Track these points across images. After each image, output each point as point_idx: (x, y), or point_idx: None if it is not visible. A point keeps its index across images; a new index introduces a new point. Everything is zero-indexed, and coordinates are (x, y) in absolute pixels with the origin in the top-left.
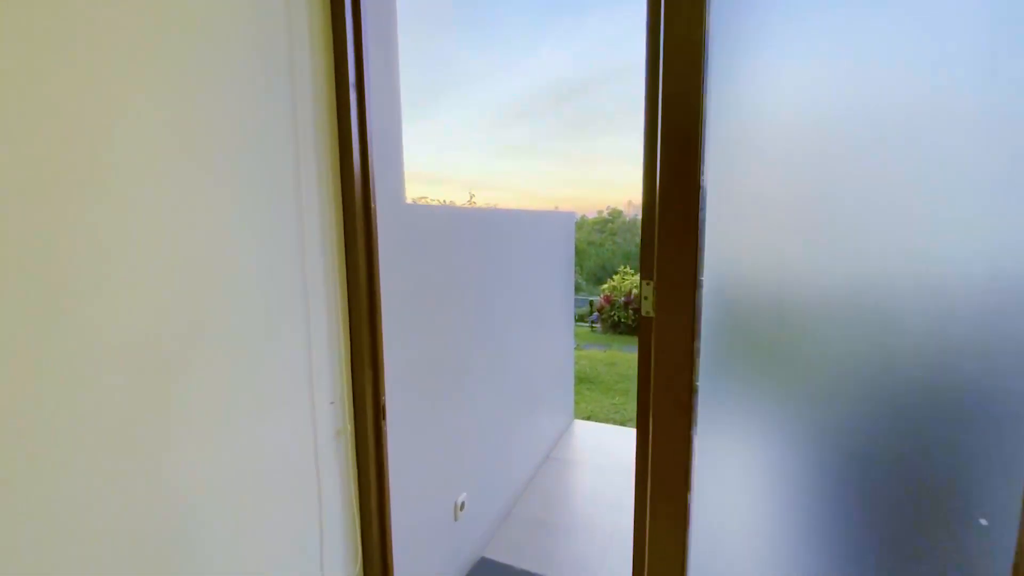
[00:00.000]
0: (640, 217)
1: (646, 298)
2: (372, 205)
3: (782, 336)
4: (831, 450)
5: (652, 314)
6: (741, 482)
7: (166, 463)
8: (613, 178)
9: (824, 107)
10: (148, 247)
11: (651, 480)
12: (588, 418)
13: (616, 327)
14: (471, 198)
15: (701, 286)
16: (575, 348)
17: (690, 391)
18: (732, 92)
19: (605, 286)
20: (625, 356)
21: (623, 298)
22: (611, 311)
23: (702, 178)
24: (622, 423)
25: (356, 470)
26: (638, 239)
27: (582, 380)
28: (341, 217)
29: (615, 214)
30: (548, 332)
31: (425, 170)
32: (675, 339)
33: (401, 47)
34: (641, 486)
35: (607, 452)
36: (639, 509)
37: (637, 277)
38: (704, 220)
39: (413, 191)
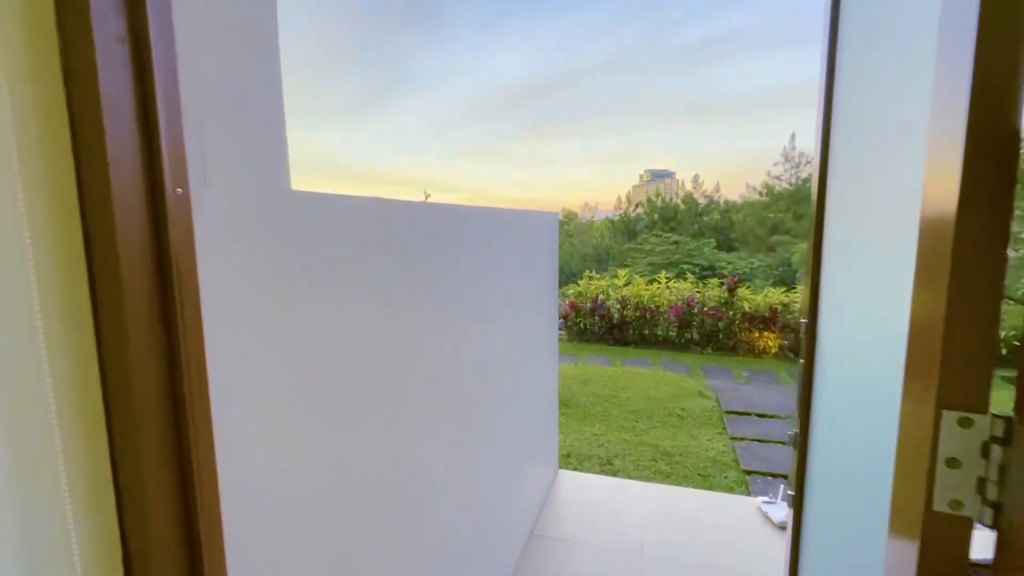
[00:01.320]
0: (596, 219)
1: None
2: (170, 193)
3: None
4: None
5: None
6: None
7: None
8: (568, 181)
9: None
10: None
11: None
12: (568, 455)
13: (583, 335)
14: (426, 198)
15: None
16: None
17: None
18: None
19: (571, 291)
20: (599, 371)
21: (589, 304)
22: (577, 318)
23: None
24: (610, 462)
25: None
26: (595, 241)
27: None
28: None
29: (571, 216)
30: (527, 358)
31: (377, 170)
32: None
33: (349, 45)
34: None
35: (610, 524)
36: None
37: (603, 282)
38: None
39: (364, 192)
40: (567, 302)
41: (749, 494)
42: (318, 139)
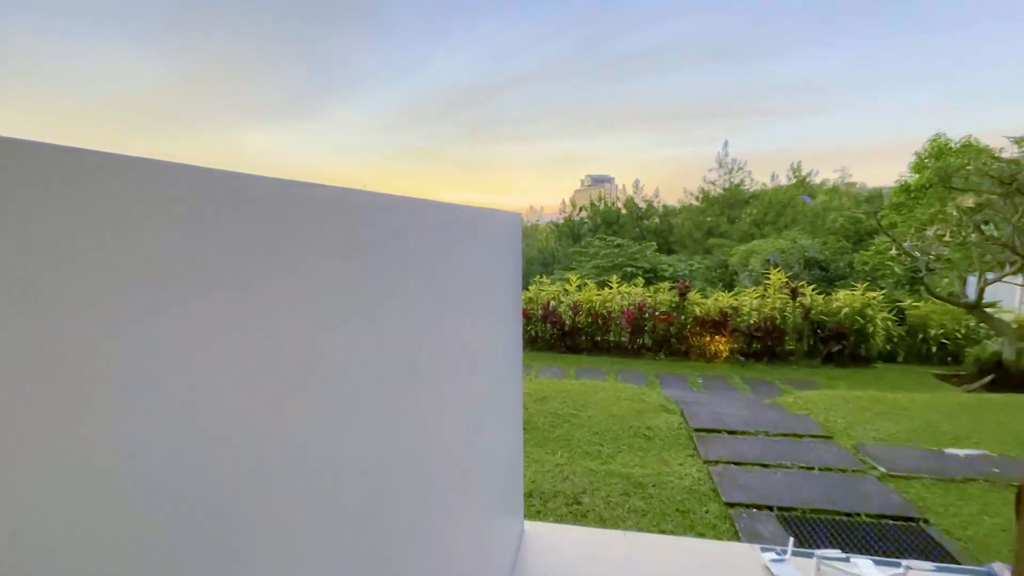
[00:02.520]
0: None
1: None
2: None
3: None
4: None
5: None
6: None
7: None
8: (513, 184)
9: None
10: None
11: None
12: (531, 493)
13: (534, 343)
14: None
15: None
16: None
17: None
18: None
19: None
20: (556, 386)
21: (541, 311)
22: (528, 326)
23: None
24: (578, 500)
25: None
26: (540, 245)
27: None
28: None
29: None
30: (490, 393)
31: (313, 170)
32: None
33: (282, 44)
34: None
35: None
36: None
37: (555, 287)
38: None
39: None
40: None
41: (736, 532)
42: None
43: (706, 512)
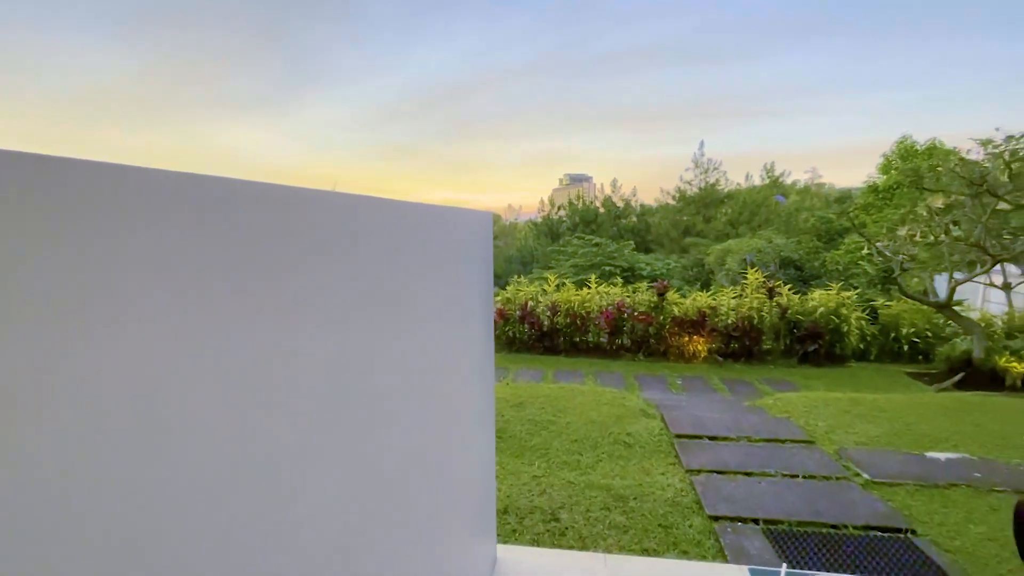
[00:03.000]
0: (519, 221)
1: None
2: None
3: None
4: None
5: None
6: None
7: None
8: (491, 183)
9: None
10: None
11: None
12: (505, 510)
13: (512, 344)
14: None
15: None
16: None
17: None
18: None
19: (498, 297)
20: (533, 390)
21: (519, 311)
22: (506, 326)
23: None
24: (556, 517)
25: None
26: (519, 243)
27: None
28: None
29: (494, 218)
30: (458, 404)
31: (289, 168)
32: None
33: (256, 36)
34: None
35: None
36: None
37: (533, 288)
38: None
39: None
40: (495, 310)
41: (721, 548)
42: (223, 134)
43: (689, 527)
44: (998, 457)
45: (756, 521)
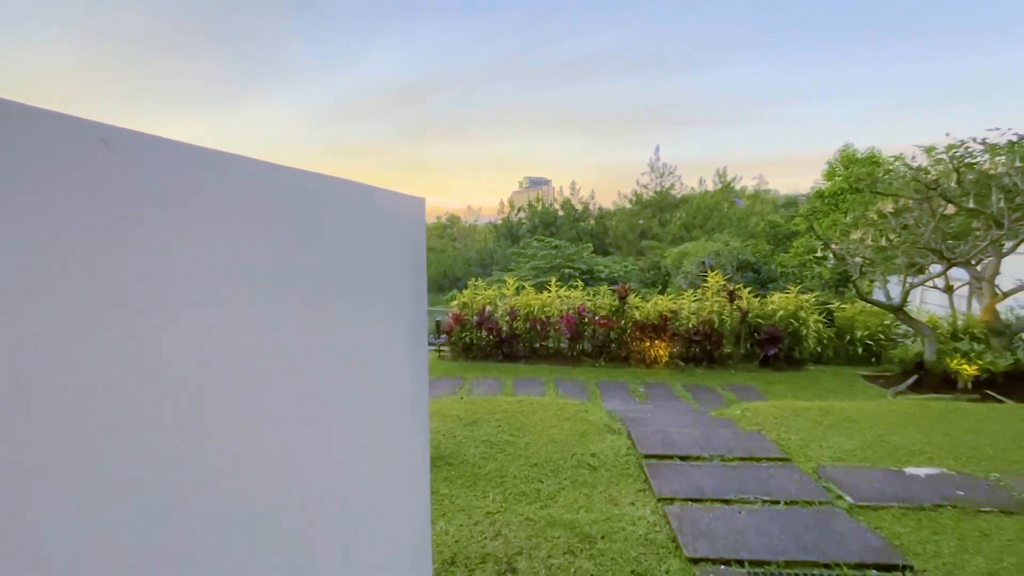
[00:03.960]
0: (479, 223)
1: None
2: None
3: None
4: None
5: None
6: None
7: None
8: (449, 184)
9: None
10: None
11: None
12: (452, 560)
13: (469, 351)
14: None
15: None
16: None
17: None
18: None
19: (454, 302)
20: (489, 404)
21: (476, 316)
22: (462, 332)
23: None
24: (512, 567)
25: None
26: (479, 245)
27: (432, 461)
28: None
29: (454, 219)
30: (368, 432)
31: None
32: None
33: (208, 29)
34: None
35: None
36: None
37: (491, 291)
38: None
39: None
40: (450, 314)
41: None
42: (165, 129)
43: (667, 573)
44: (975, 471)
45: (741, 563)
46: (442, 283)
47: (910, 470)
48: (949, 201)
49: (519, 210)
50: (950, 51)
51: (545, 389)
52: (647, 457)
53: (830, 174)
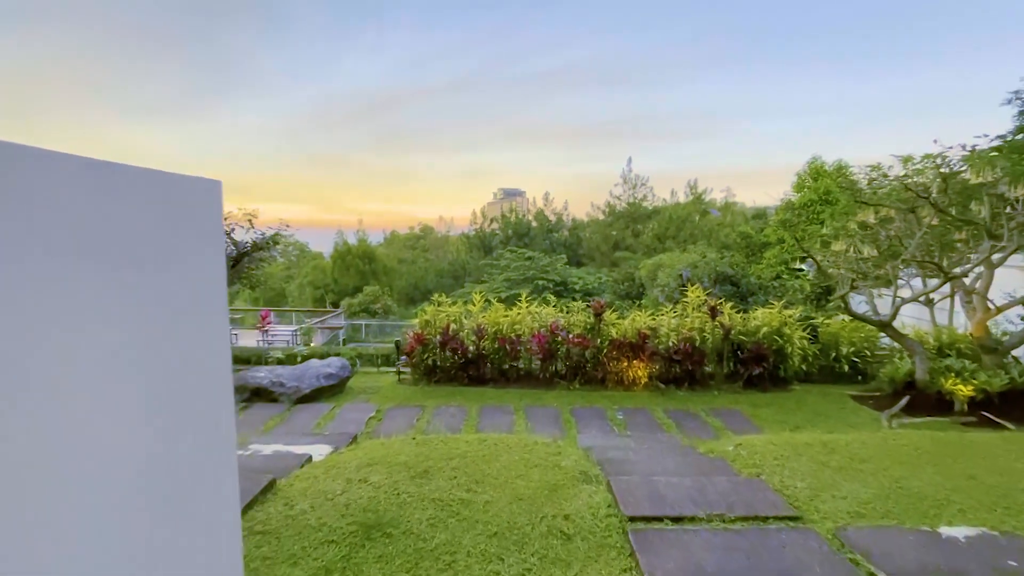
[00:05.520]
0: (451, 234)
1: None
2: None
3: None
4: None
5: None
6: None
7: None
8: (422, 194)
9: None
10: None
11: None
12: None
13: (432, 374)
14: (250, 212)
15: None
16: (371, 417)
17: None
18: None
19: (416, 320)
20: (446, 446)
21: (439, 335)
22: (424, 353)
23: None
24: None
25: None
26: (451, 256)
27: (368, 530)
28: None
29: (427, 230)
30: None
31: (207, 175)
32: None
33: (170, 34)
34: None
35: None
36: None
37: (455, 308)
38: None
39: None
40: (412, 334)
41: None
42: (127, 139)
43: None
44: (1017, 527)
45: None
46: (412, 295)
47: (946, 531)
48: (940, 211)
49: (492, 221)
50: (903, 69)
51: (514, 419)
52: (632, 520)
53: (799, 186)
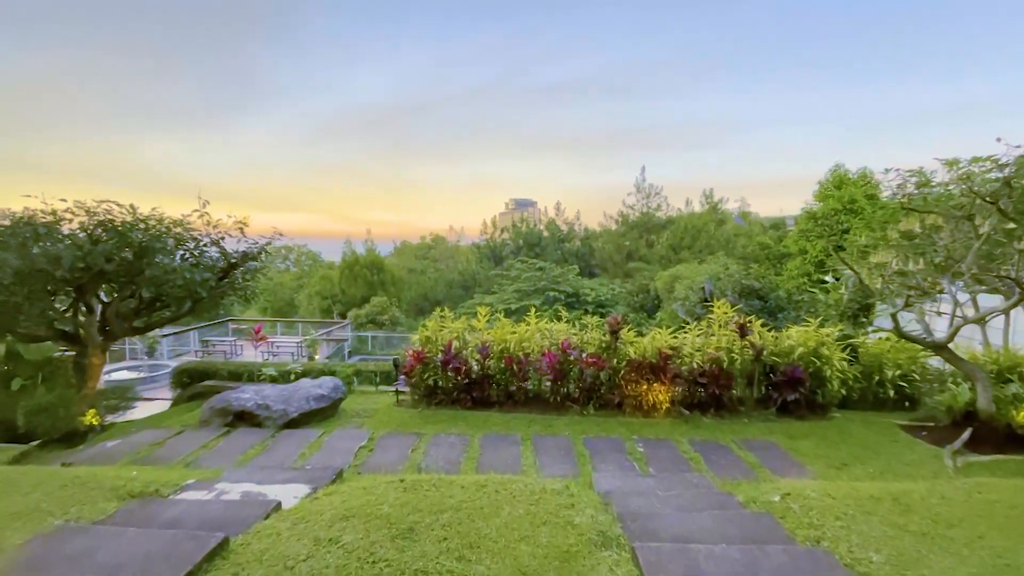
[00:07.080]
0: (462, 244)
1: None
2: None
3: None
4: None
5: None
6: None
7: None
8: (434, 205)
9: None
10: None
11: None
12: None
13: (432, 396)
14: (239, 219)
15: None
16: (362, 447)
17: None
18: None
19: (415, 337)
20: (440, 495)
21: (441, 354)
22: (424, 373)
23: None
24: None
25: None
26: (461, 267)
27: None
28: None
29: (438, 240)
30: None
31: (218, 186)
32: None
33: (181, 49)
34: None
35: None
36: None
37: (459, 323)
38: None
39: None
40: (411, 352)
41: None
42: (144, 148)
43: None
44: None
45: None
46: (422, 306)
47: None
48: (1009, 219)
49: (502, 231)
50: (922, 76)
51: (521, 451)
52: None
53: (822, 195)
